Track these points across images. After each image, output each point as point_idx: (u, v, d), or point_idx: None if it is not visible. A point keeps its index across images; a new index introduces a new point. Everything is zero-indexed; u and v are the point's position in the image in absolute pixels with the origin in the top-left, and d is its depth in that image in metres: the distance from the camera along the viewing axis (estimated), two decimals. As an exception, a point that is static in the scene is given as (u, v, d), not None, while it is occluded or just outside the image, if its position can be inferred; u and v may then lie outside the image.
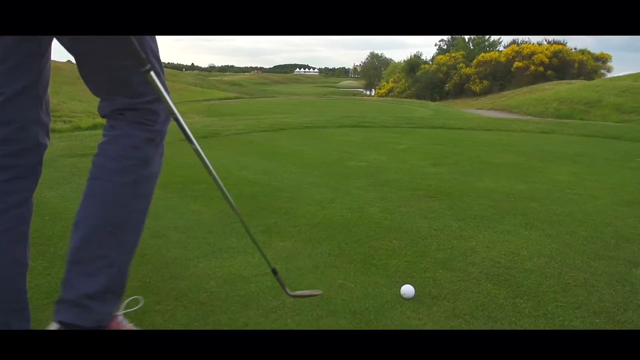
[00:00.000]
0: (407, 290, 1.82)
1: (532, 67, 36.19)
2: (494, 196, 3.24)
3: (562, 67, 36.78)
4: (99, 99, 1.32)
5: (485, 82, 39.13)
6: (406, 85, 47.16)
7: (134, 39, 1.09)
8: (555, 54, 36.48)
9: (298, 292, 1.63)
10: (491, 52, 41.44)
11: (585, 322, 1.67)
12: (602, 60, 40.76)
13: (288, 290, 1.56)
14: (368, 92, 74.60)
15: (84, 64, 1.27)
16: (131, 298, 1.48)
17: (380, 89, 54.92)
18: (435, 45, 53.70)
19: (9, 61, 1.18)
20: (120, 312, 1.38)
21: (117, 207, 1.27)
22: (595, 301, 1.81)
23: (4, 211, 1.20)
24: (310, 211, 2.79)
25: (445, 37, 51.12)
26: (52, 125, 1.37)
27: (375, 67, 78.66)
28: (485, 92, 38.37)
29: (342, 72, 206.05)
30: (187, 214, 2.70)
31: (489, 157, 4.71)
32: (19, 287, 1.24)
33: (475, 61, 40.63)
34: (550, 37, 38.48)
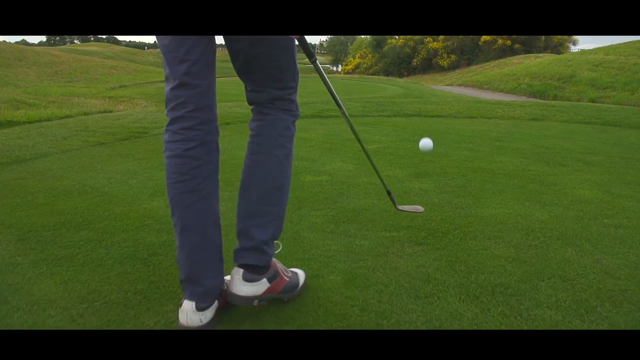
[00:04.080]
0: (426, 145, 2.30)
1: (500, 41, 35.52)
2: (509, 237, 2.24)
3: (529, 40, 36.24)
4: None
5: (452, 56, 38.36)
6: (373, 61, 46.04)
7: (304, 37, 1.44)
8: (523, 26, 35.75)
9: (404, 207, 2.24)
10: (458, 26, 40.47)
11: None
12: (568, 32, 40.38)
13: (397, 205, 2.17)
14: (335, 68, 73.26)
15: (245, 66, 1.56)
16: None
17: (346, 65, 53.65)
18: (402, 19, 52.15)
19: (209, 57, 1.48)
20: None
21: (278, 175, 1.60)
22: None
23: (210, 175, 1.53)
24: (232, 291, 1.73)
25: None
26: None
27: (341, 43, 77.23)
28: (453, 67, 37.63)
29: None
30: None
31: (483, 161, 3.72)
32: (220, 239, 1.57)
33: (442, 35, 39.70)
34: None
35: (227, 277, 1.67)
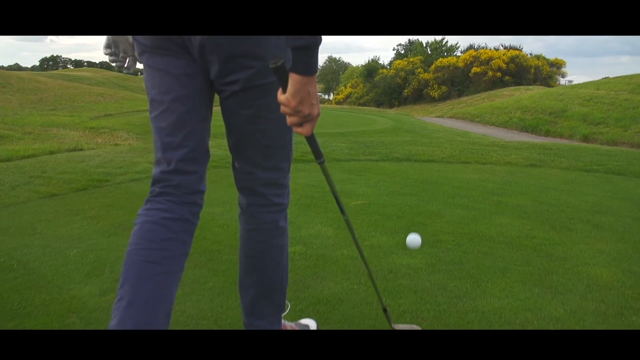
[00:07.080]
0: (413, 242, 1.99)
1: (490, 73, 35.69)
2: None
3: (519, 72, 36.43)
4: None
5: (443, 87, 38.44)
6: (364, 90, 46.13)
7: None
8: (512, 59, 36.06)
9: (400, 325, 1.89)
10: (449, 57, 40.79)
11: None
12: (557, 65, 40.75)
13: (392, 324, 1.86)
14: (326, 96, 73.59)
15: (240, 142, 1.49)
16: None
17: (338, 94, 53.80)
18: (393, 49, 52.90)
19: (206, 143, 1.44)
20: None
21: (274, 272, 1.60)
22: None
23: (180, 255, 1.38)
24: None
25: (403, 42, 50.69)
26: None
27: (333, 71, 77.80)
28: (444, 98, 37.67)
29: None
30: None
31: (480, 223, 3.29)
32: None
33: (433, 66, 39.86)
34: (507, 43, 38.28)
35: None
